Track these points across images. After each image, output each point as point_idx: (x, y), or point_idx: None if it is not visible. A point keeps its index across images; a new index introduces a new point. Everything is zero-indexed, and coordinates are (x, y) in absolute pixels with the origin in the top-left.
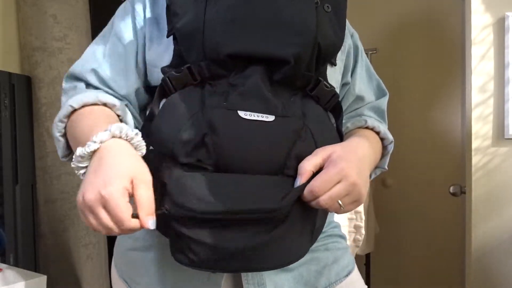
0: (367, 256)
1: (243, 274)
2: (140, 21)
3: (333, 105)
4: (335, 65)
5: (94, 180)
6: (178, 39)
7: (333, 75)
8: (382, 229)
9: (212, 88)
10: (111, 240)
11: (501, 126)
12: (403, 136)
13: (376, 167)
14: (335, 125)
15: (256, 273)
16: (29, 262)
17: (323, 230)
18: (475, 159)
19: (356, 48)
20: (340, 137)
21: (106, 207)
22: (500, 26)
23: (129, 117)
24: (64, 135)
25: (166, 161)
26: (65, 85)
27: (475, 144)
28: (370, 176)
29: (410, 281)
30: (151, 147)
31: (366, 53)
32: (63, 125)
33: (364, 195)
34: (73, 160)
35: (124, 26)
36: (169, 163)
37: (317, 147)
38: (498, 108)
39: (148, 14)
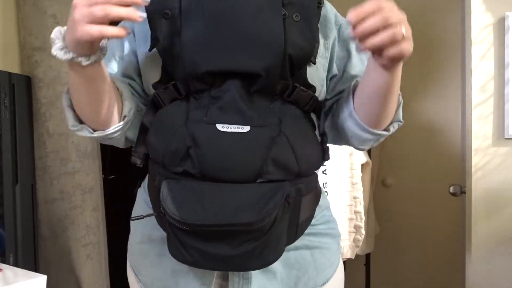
0: (367, 256)
1: None
2: (131, 40)
3: (313, 107)
4: (315, 63)
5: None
6: (162, 59)
7: (315, 74)
8: (382, 229)
9: (197, 101)
10: (111, 240)
11: (501, 126)
12: (403, 136)
13: (393, 122)
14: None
15: None
16: (29, 262)
17: (312, 224)
18: (475, 159)
19: (346, 39)
20: (322, 136)
21: None
22: (500, 26)
23: (126, 89)
24: (72, 107)
25: (159, 169)
26: None
27: (475, 144)
28: (389, 130)
29: (410, 281)
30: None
31: None
32: (68, 96)
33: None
34: (63, 54)
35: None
36: (161, 171)
37: (294, 151)
38: (498, 108)
39: (138, 33)
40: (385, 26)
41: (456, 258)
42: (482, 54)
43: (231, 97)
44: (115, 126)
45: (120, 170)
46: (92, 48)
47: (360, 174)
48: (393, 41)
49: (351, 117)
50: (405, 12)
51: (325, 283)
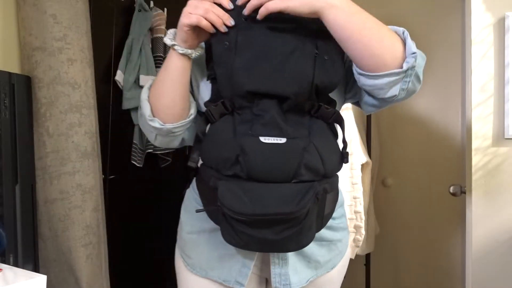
0: (367, 256)
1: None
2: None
3: (335, 119)
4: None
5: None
6: (218, 81)
7: (336, 91)
8: (382, 229)
9: (240, 116)
10: (111, 240)
11: (501, 126)
12: (403, 136)
13: (406, 57)
14: (341, 132)
15: None
16: (29, 262)
17: (333, 217)
18: (475, 159)
19: None
20: (344, 143)
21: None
22: (500, 26)
23: (191, 95)
24: (148, 101)
25: (213, 173)
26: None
27: (475, 144)
28: (402, 66)
29: (410, 281)
30: (201, 162)
31: None
32: (147, 91)
33: None
34: (170, 40)
35: None
36: (215, 174)
37: (321, 157)
38: (498, 108)
39: (194, 61)
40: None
41: (456, 258)
42: (482, 54)
43: (271, 116)
44: (183, 121)
45: (120, 170)
46: (189, 42)
47: (360, 174)
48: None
49: (358, 73)
50: (405, 13)
51: (333, 267)
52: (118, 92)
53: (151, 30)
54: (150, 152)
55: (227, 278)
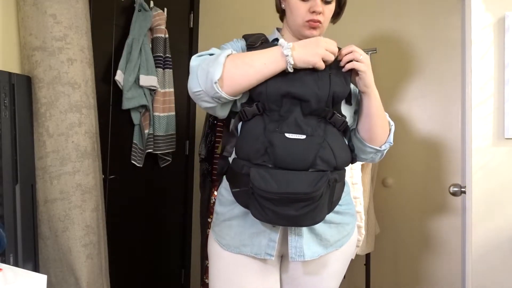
0: (367, 256)
1: (289, 227)
2: None
3: (344, 128)
4: (351, 104)
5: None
6: (257, 86)
7: (347, 110)
8: (382, 229)
9: (269, 117)
10: (111, 240)
11: (501, 126)
12: (403, 136)
13: (386, 142)
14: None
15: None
16: (29, 262)
17: (340, 204)
18: (475, 159)
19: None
20: (350, 148)
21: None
22: (500, 26)
23: None
24: (224, 65)
25: (245, 163)
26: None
27: (475, 144)
28: (381, 147)
29: (410, 281)
30: (235, 156)
31: (366, 53)
32: (225, 59)
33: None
34: (287, 50)
35: None
36: (247, 163)
37: (333, 152)
38: (498, 108)
39: None
40: (351, 55)
41: (456, 258)
42: (482, 54)
43: (294, 118)
44: (231, 97)
45: (120, 170)
46: (297, 66)
47: (360, 174)
48: (354, 59)
49: (356, 137)
50: (406, 12)
51: (341, 246)
52: (118, 92)
53: (151, 30)
54: (150, 152)
55: (258, 252)
